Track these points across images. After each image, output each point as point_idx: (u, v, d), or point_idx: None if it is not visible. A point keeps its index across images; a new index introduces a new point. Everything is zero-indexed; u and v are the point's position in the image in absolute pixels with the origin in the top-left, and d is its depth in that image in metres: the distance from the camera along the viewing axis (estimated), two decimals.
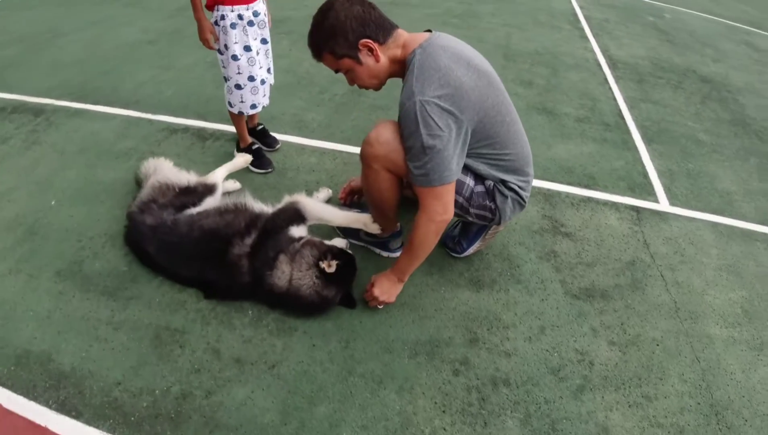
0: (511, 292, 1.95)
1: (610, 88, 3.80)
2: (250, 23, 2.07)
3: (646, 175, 2.81)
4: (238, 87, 2.17)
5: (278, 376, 1.54)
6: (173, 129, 2.72)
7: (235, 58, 2.09)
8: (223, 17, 2.02)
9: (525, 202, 1.69)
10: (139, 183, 2.17)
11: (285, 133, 2.74)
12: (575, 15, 5.46)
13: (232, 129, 2.69)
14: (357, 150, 2.68)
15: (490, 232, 1.93)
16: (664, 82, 4.10)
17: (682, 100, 3.80)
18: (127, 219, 1.95)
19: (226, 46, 2.08)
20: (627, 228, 2.39)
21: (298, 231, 1.80)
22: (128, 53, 3.44)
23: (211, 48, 2.11)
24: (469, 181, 1.60)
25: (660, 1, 6.71)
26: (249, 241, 1.72)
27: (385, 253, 1.99)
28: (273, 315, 1.72)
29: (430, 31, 1.59)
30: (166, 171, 2.05)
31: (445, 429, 1.48)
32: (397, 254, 1.99)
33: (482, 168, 1.58)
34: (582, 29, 5.04)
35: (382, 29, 1.48)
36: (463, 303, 1.87)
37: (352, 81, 1.59)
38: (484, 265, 2.04)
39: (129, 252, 1.92)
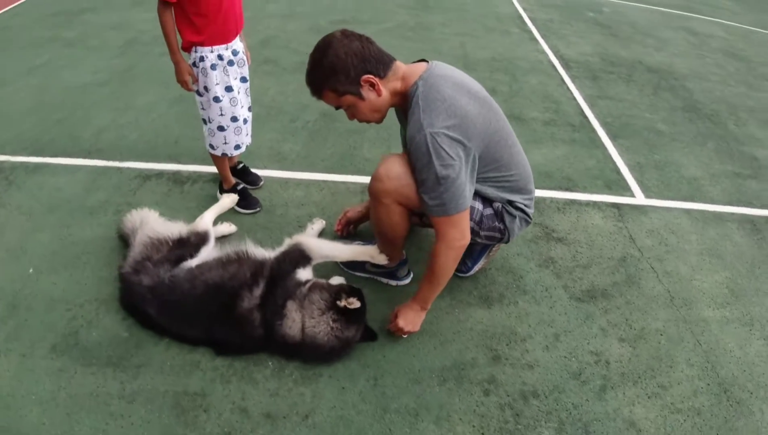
0: (521, 304, 2.02)
1: (568, 89, 4.01)
2: (230, 63, 2.05)
3: (618, 171, 2.99)
4: (221, 129, 2.15)
5: (314, 426, 1.53)
6: (146, 175, 2.64)
7: (216, 99, 2.07)
8: (202, 58, 2.00)
9: (531, 219, 1.77)
10: (124, 238, 2.10)
11: (265, 167, 2.72)
12: (521, 18, 5.70)
13: (209, 169, 2.65)
14: (341, 178, 2.75)
15: (494, 249, 2.00)
16: (616, 76, 4.36)
17: (636, 93, 4.06)
18: (120, 281, 1.88)
19: (206, 88, 2.05)
20: (612, 225, 2.54)
21: (304, 273, 1.79)
22: (80, 98, 3.30)
23: (189, 90, 2.08)
24: (478, 205, 1.66)
25: None
26: (258, 292, 1.69)
27: (393, 282, 2.02)
28: (294, 363, 1.70)
29: (424, 60, 1.63)
30: (154, 223, 1.99)
31: None
32: (406, 282, 2.02)
33: (490, 191, 1.64)
34: (530, 31, 5.28)
35: (382, 63, 1.51)
36: (478, 322, 1.93)
37: (352, 116, 1.61)
38: (490, 281, 2.11)
39: (127, 315, 1.85)
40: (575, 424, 1.63)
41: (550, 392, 1.71)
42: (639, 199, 2.76)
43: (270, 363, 1.71)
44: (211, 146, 2.23)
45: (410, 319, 1.71)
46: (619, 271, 2.26)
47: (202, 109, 2.15)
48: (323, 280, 1.81)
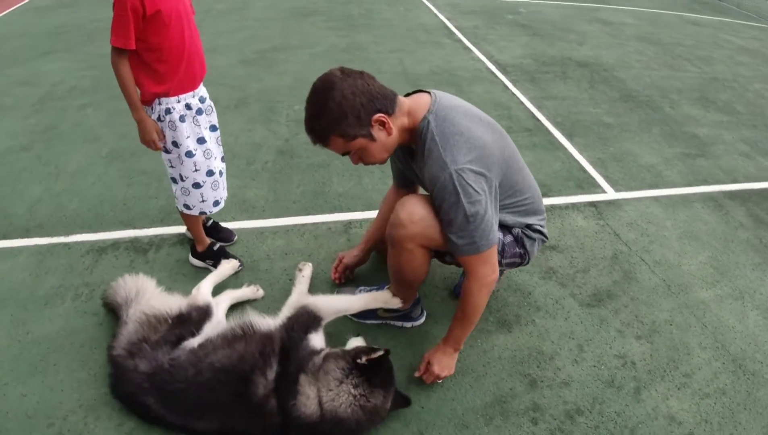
0: (538, 322, 2.06)
1: (513, 94, 4.19)
2: (199, 111, 1.91)
3: (584, 169, 3.15)
4: (197, 186, 2.01)
5: None
6: (99, 248, 2.41)
7: (189, 154, 1.93)
8: (168, 111, 1.83)
9: (547, 238, 1.80)
10: (112, 309, 1.91)
11: (234, 219, 2.58)
12: (447, 27, 5.92)
13: (172, 231, 2.48)
14: (319, 219, 2.67)
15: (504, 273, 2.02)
16: (552, 75, 4.63)
17: (575, 89, 4.33)
18: (111, 364, 1.68)
19: (175, 144, 1.90)
20: (594, 224, 2.66)
21: (317, 339, 1.67)
22: (3, 167, 2.97)
23: (158, 149, 1.92)
24: (499, 234, 1.65)
25: None
26: (272, 374, 1.54)
27: (408, 324, 1.98)
28: None
29: (422, 91, 1.60)
30: (152, 297, 1.82)
31: None
32: (421, 321, 1.99)
33: (509, 218, 1.65)
34: (460, 40, 5.48)
35: (388, 99, 1.45)
36: (504, 348, 1.93)
37: (359, 160, 1.53)
38: (502, 304, 2.12)
39: (122, 417, 1.66)
40: (623, 431, 1.67)
41: (591, 406, 1.74)
42: (610, 194, 2.92)
43: None
44: (186, 206, 2.08)
45: (445, 364, 1.68)
46: (615, 270, 2.37)
47: (171, 167, 1.99)
48: (337, 349, 1.66)
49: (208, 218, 2.41)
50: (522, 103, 4.02)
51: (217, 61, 4.59)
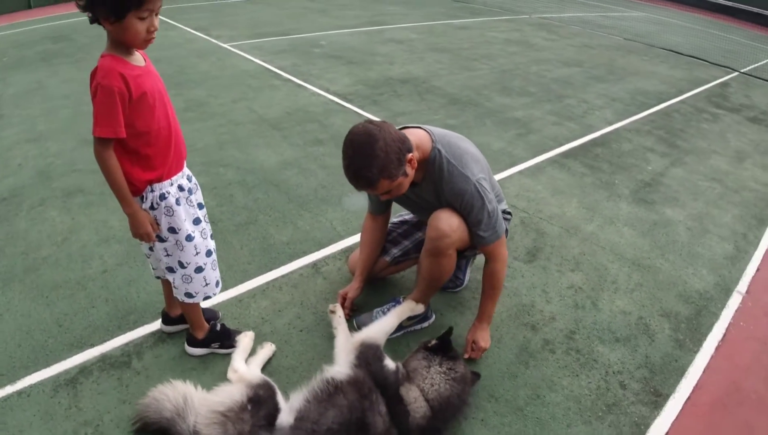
0: (507, 286, 2.62)
1: (369, 118, 4.77)
2: (189, 190, 1.88)
3: None
4: (199, 270, 1.97)
5: None
6: (66, 381, 2.13)
7: (189, 238, 1.87)
8: (163, 196, 1.77)
9: (510, 215, 2.34)
10: (160, 427, 1.77)
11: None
12: (270, 70, 6.21)
13: (141, 333, 2.31)
14: (283, 270, 2.81)
15: (474, 258, 2.53)
16: (387, 95, 5.37)
17: (413, 103, 5.13)
18: None
19: (172, 230, 1.84)
20: None
21: (388, 361, 1.86)
22: None
23: (152, 241, 1.84)
24: None
25: (304, 33, 8.16)
26: (383, 407, 1.70)
27: (426, 323, 2.33)
28: None
29: (408, 127, 1.98)
30: (201, 397, 1.76)
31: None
32: (433, 318, 2.35)
33: None
34: (290, 79, 5.86)
35: (408, 141, 1.79)
36: (497, 314, 2.44)
37: (390, 196, 1.86)
38: (475, 284, 2.64)
39: None
40: (603, 332, 2.34)
41: (576, 325, 2.39)
42: None
43: None
44: (189, 295, 2.02)
45: (486, 338, 2.11)
46: (529, 231, 3.11)
47: (167, 255, 1.91)
48: (407, 356, 1.94)
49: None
50: None
51: (56, 147, 4.10)
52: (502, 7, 12.23)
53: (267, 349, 2.18)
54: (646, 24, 12.22)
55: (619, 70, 7.10)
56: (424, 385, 1.80)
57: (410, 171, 1.83)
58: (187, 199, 1.86)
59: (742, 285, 2.74)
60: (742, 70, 8.00)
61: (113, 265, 2.71)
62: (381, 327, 2.04)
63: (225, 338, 2.19)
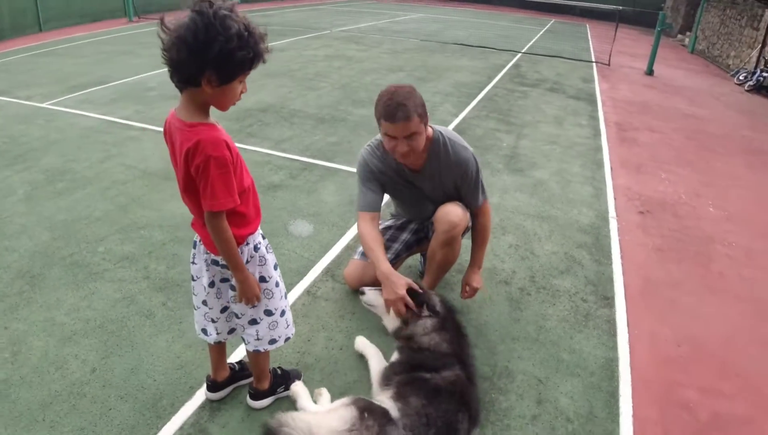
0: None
1: (270, 153, 4.91)
2: (263, 235, 1.87)
3: None
4: (283, 313, 1.94)
5: None
6: None
7: (277, 284, 1.87)
8: (256, 247, 1.78)
9: None
10: None
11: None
12: (115, 121, 5.72)
13: (185, 416, 2.12)
14: (290, 300, 2.84)
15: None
16: (257, 126, 5.53)
17: (285, 129, 5.42)
18: None
19: (264, 278, 1.82)
20: None
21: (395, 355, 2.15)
22: None
23: (258, 301, 1.82)
24: None
25: (125, 78, 7.56)
26: (454, 368, 1.97)
27: None
28: None
29: None
30: (317, 424, 1.76)
31: None
32: None
33: None
34: (147, 127, 5.54)
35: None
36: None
37: (409, 146, 2.14)
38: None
39: None
40: (546, 266, 3.09)
41: (532, 272, 3.09)
42: None
43: None
44: (273, 341, 1.95)
45: (478, 280, 2.54)
46: None
47: (252, 306, 1.85)
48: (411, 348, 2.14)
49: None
50: (285, 154, 4.77)
51: None
52: (302, 26, 12.90)
53: (324, 395, 2.18)
54: (429, 24, 14.20)
55: (434, 69, 8.34)
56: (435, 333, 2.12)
57: (428, 133, 2.26)
58: (267, 245, 1.86)
59: (612, 211, 3.81)
60: (523, 51, 10.02)
61: (99, 360, 2.42)
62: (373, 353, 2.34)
63: (287, 379, 2.20)
